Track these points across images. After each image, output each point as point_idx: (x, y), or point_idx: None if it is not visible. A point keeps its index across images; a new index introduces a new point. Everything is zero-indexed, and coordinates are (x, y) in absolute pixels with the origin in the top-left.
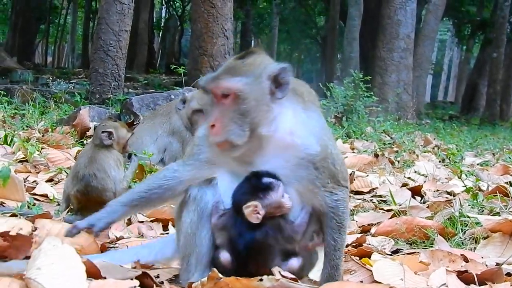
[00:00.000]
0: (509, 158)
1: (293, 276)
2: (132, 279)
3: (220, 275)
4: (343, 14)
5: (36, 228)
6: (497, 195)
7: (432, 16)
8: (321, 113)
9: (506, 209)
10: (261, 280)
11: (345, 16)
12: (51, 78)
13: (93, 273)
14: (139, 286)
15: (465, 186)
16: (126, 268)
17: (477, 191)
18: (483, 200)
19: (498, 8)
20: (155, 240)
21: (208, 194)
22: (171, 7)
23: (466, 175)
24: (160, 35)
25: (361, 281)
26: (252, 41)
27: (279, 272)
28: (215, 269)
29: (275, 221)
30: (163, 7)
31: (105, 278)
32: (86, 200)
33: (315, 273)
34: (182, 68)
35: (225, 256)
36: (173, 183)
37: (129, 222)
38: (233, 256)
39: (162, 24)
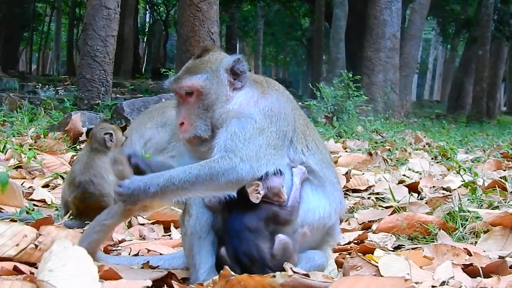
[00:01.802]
0: (498, 155)
1: (305, 272)
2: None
3: (232, 273)
4: (328, 16)
5: (40, 235)
6: (495, 189)
7: (418, 15)
8: (286, 99)
9: (505, 202)
10: (274, 276)
11: (331, 18)
12: (40, 85)
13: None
14: (151, 287)
15: (464, 181)
16: (144, 270)
17: (475, 185)
18: (481, 195)
19: (482, 6)
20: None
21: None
22: (155, 12)
23: (464, 170)
24: (145, 40)
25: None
26: (238, 44)
27: (291, 268)
28: (227, 267)
29: (270, 207)
30: (147, 12)
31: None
32: (84, 206)
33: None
34: (172, 71)
35: (224, 251)
36: None
37: (130, 225)
38: (227, 247)
39: (147, 29)
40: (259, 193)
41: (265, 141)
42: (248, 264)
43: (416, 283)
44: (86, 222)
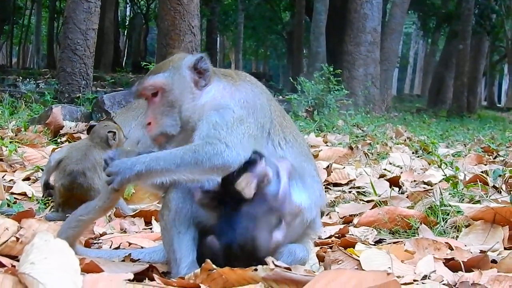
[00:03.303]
0: (479, 149)
1: (286, 266)
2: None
3: (214, 266)
4: (308, 9)
5: (21, 228)
6: (477, 183)
7: (398, 9)
8: (260, 90)
9: (486, 197)
10: (255, 270)
11: (311, 11)
12: (20, 78)
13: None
14: (133, 280)
15: (445, 175)
16: (125, 263)
17: (457, 180)
18: (462, 189)
19: (463, 0)
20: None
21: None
22: (136, 5)
23: (445, 164)
24: (126, 34)
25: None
26: (218, 38)
27: (273, 261)
28: (208, 260)
29: (260, 193)
30: (128, 5)
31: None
32: (69, 195)
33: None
34: (153, 65)
35: (212, 240)
36: None
37: (111, 218)
38: (220, 238)
39: (127, 23)
40: (252, 183)
41: (246, 130)
42: (238, 254)
43: (398, 277)
44: (67, 215)
